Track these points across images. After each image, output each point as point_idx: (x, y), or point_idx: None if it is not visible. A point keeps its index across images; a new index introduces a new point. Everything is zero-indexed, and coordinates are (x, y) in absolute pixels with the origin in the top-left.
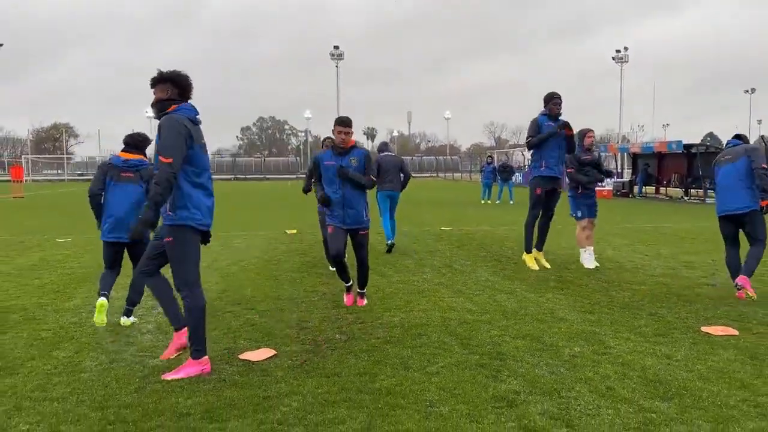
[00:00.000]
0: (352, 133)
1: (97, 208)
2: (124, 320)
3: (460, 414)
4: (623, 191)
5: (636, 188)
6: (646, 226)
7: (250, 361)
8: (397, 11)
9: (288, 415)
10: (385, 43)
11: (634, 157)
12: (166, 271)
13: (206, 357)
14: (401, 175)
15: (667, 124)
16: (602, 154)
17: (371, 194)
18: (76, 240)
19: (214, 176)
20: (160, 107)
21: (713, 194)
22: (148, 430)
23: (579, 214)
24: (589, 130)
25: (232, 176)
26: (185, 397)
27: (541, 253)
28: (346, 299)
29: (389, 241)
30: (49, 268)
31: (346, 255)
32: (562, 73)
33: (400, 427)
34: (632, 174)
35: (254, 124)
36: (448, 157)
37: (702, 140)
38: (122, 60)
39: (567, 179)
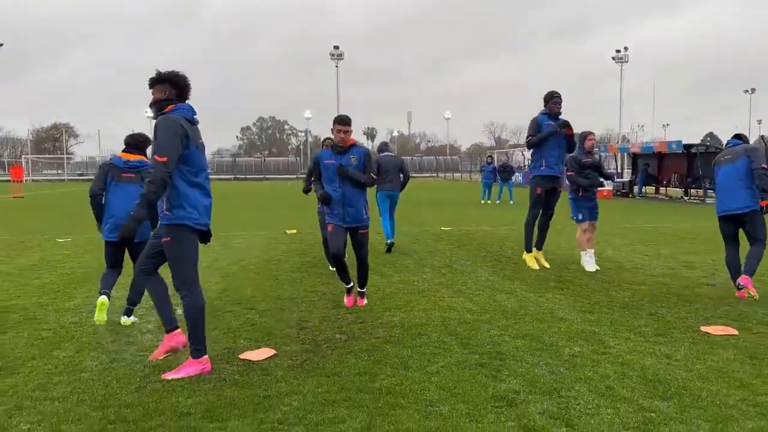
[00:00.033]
0: (351, 131)
1: (98, 208)
2: (125, 320)
3: (460, 413)
4: (623, 191)
5: (636, 188)
6: (646, 226)
7: (250, 360)
8: (397, 11)
9: (288, 415)
10: (385, 43)
11: (634, 157)
12: (166, 272)
13: (206, 356)
14: (401, 175)
15: (667, 124)
16: (602, 154)
17: (371, 194)
18: (76, 240)
19: (214, 176)
20: (158, 107)
21: (713, 194)
22: (148, 429)
23: (580, 216)
24: (590, 133)
25: (232, 176)
26: (186, 396)
27: (540, 252)
28: (347, 301)
29: (389, 240)
30: (49, 268)
31: (346, 254)
32: (562, 73)
33: (400, 427)
34: (632, 174)
35: (254, 124)
36: (448, 157)
37: (702, 140)
38: (122, 60)
39: (567, 181)
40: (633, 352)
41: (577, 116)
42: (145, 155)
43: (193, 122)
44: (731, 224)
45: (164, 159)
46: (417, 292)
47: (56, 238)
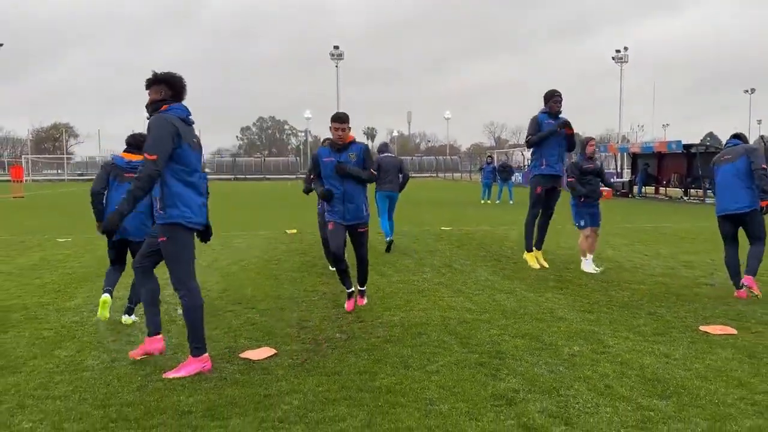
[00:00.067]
0: (350, 128)
1: (99, 207)
2: (126, 318)
3: (460, 412)
4: (623, 191)
5: (636, 188)
6: (645, 226)
7: (250, 359)
8: (397, 11)
9: (289, 413)
10: (385, 43)
11: (634, 157)
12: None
13: (206, 354)
14: (400, 176)
15: (667, 124)
16: (602, 153)
17: (370, 193)
18: (76, 240)
19: (214, 176)
20: (153, 108)
21: (713, 194)
22: (150, 427)
23: (582, 223)
24: (591, 139)
25: (232, 176)
26: (187, 395)
27: (540, 252)
28: (347, 305)
29: (388, 238)
30: (49, 268)
31: (346, 254)
32: (562, 73)
33: (400, 425)
34: (632, 174)
35: (254, 124)
36: (448, 157)
37: (702, 140)
38: (122, 60)
39: (567, 186)
40: (632, 351)
41: (577, 116)
42: None
43: (189, 122)
44: (731, 224)
45: (154, 157)
46: (417, 291)
47: (56, 238)
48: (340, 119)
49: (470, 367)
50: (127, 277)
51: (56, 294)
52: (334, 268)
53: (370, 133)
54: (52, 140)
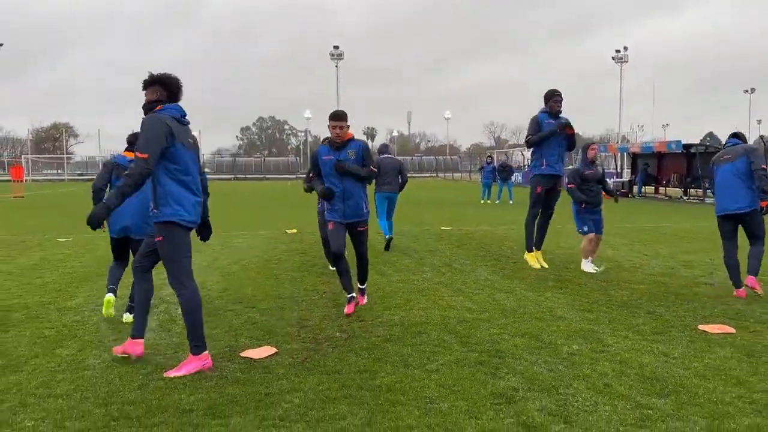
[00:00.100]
0: (348, 126)
1: (99, 202)
2: (127, 317)
3: (460, 410)
4: (623, 191)
5: (635, 188)
6: (645, 226)
7: (251, 358)
8: (397, 11)
9: (289, 412)
10: (385, 43)
11: (634, 157)
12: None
13: (206, 352)
14: (399, 177)
15: (667, 124)
16: (602, 153)
17: (370, 193)
18: (76, 239)
19: (214, 176)
20: (149, 108)
21: (712, 194)
22: (151, 426)
23: (585, 229)
24: (593, 143)
25: (232, 176)
26: (188, 393)
27: (540, 252)
28: (347, 309)
29: (387, 236)
30: (50, 267)
31: (346, 254)
32: (562, 73)
33: (400, 423)
34: (632, 174)
35: (254, 124)
36: (448, 157)
37: (701, 140)
38: (122, 60)
39: (568, 193)
40: (631, 350)
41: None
42: None
43: (183, 122)
44: (730, 224)
45: (145, 156)
46: (417, 291)
47: (57, 238)
48: (338, 117)
49: (470, 366)
50: (129, 276)
51: (57, 293)
52: (335, 268)
53: (370, 133)
54: (52, 140)
